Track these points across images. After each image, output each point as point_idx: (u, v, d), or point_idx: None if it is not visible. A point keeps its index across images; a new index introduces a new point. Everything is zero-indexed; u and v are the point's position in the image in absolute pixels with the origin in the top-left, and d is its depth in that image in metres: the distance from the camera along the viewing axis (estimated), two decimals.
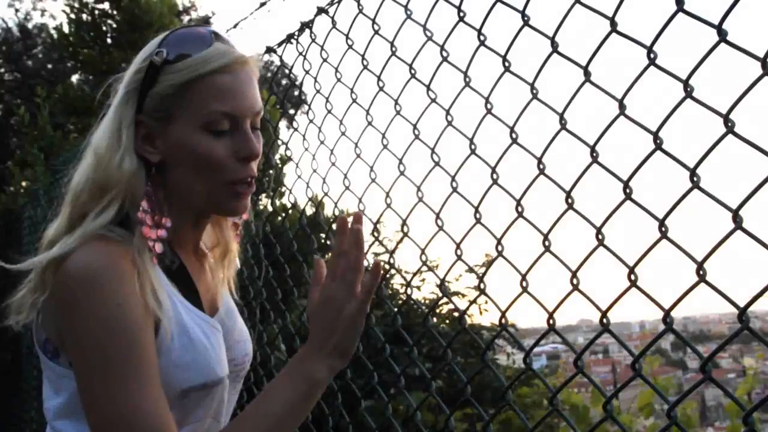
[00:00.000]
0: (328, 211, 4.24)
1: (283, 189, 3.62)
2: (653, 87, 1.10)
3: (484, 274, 1.47)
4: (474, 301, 2.35)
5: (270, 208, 3.05)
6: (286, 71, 2.20)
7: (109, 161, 1.02)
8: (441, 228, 1.50)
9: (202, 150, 1.02)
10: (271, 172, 3.23)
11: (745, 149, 0.93)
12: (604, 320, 1.14)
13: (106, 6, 8.16)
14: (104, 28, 8.21)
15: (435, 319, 5.51)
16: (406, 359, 1.55)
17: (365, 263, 1.05)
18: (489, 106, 1.38)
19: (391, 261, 1.68)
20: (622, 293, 1.10)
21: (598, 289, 1.19)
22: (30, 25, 14.52)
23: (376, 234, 1.76)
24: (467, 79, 1.43)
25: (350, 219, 1.05)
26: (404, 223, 1.62)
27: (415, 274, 1.86)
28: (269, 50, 2.21)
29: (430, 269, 1.58)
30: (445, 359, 1.53)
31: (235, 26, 2.56)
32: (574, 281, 1.18)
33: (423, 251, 1.56)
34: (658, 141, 1.05)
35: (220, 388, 1.07)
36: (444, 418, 1.44)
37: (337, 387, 1.84)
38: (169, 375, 0.97)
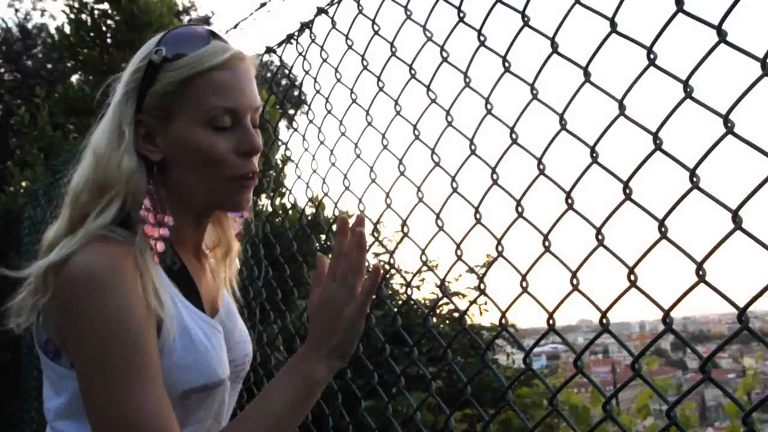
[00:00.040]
0: (328, 211, 4.24)
1: (284, 190, 3.62)
2: (653, 87, 1.10)
3: (484, 274, 1.47)
4: (474, 302, 2.35)
5: (269, 209, 3.05)
6: (286, 71, 2.20)
7: (109, 160, 1.02)
8: (441, 228, 1.50)
9: (204, 145, 1.02)
10: (271, 172, 3.23)
11: (744, 150, 0.93)
12: (604, 320, 1.15)
13: (105, 6, 8.16)
14: (104, 29, 8.20)
15: (435, 320, 5.52)
16: (407, 359, 1.55)
17: (366, 264, 1.05)
18: (489, 106, 1.38)
19: (391, 261, 1.68)
20: (622, 293, 1.10)
21: (598, 290, 1.19)
22: (30, 25, 14.53)
23: (376, 234, 1.76)
24: (467, 80, 1.43)
25: (351, 220, 1.06)
26: (404, 223, 1.62)
27: (415, 275, 1.86)
28: (269, 50, 2.21)
29: (430, 269, 1.58)
30: (445, 359, 1.53)
31: (235, 27, 2.56)
32: (574, 281, 1.18)
33: (423, 251, 1.56)
34: (657, 141, 1.06)
35: (221, 389, 1.07)
36: (444, 418, 1.44)
37: (337, 387, 1.84)
38: (170, 376, 0.97)
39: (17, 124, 10.48)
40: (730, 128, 0.95)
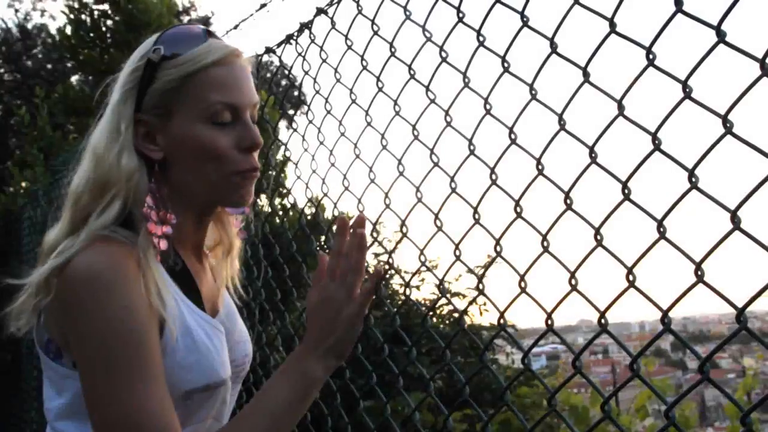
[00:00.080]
0: (328, 213, 4.23)
1: (284, 190, 3.62)
2: (652, 88, 1.10)
3: (483, 274, 1.47)
4: (473, 302, 2.34)
5: (269, 209, 3.05)
6: (286, 72, 2.20)
7: (109, 160, 1.02)
8: (440, 228, 1.49)
9: (206, 141, 1.03)
10: (271, 172, 3.23)
11: (743, 150, 0.93)
12: (603, 321, 1.15)
13: (105, 7, 8.16)
14: (104, 29, 8.20)
15: (435, 320, 5.52)
16: (406, 359, 1.55)
17: (365, 264, 1.05)
18: (488, 106, 1.38)
19: (390, 261, 1.68)
20: (620, 293, 1.10)
21: (597, 290, 1.19)
22: (29, 26, 14.52)
23: (375, 234, 1.76)
24: (466, 80, 1.43)
25: (352, 221, 1.06)
26: (403, 223, 1.62)
27: (413, 275, 1.86)
28: (268, 51, 2.21)
29: (429, 270, 1.58)
30: (444, 360, 1.53)
31: (235, 27, 2.56)
32: (573, 282, 1.18)
33: (422, 252, 1.56)
34: (656, 142, 1.05)
35: (222, 389, 1.07)
36: (444, 418, 1.44)
37: (336, 387, 1.84)
38: (172, 376, 0.97)
39: (17, 125, 10.49)
40: (729, 128, 0.95)
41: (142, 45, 1.08)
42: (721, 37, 0.96)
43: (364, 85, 1.77)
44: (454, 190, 1.46)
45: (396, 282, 5.40)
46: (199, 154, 1.03)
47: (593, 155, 1.16)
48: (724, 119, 0.95)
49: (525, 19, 1.28)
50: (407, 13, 1.59)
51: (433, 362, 4.70)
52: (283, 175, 2.66)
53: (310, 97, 2.06)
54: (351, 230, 1.09)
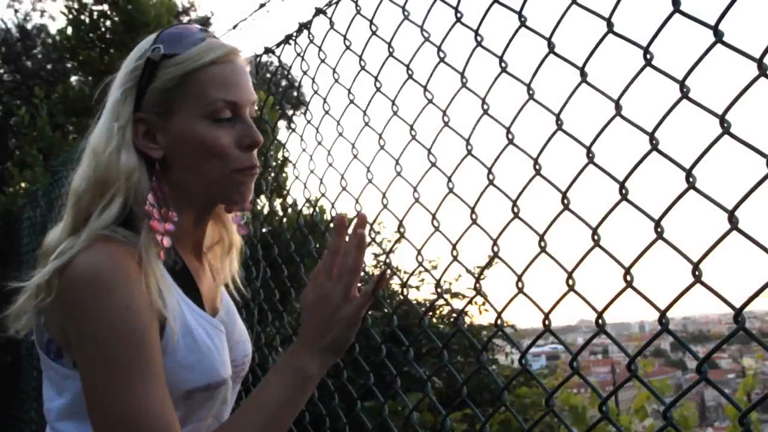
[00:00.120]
0: (327, 214, 4.22)
1: (283, 191, 3.61)
2: (649, 88, 1.10)
3: (480, 274, 1.47)
4: (471, 302, 2.35)
5: (267, 209, 3.05)
6: (285, 72, 2.20)
7: (109, 159, 1.02)
8: (437, 229, 1.49)
9: (206, 139, 1.03)
10: (270, 171, 3.23)
11: (741, 150, 0.93)
12: (600, 321, 1.14)
13: (105, 7, 8.15)
14: (103, 29, 8.20)
15: (435, 320, 5.51)
16: (405, 360, 1.55)
17: (363, 264, 1.05)
18: (485, 106, 1.38)
19: (388, 261, 1.68)
20: (618, 294, 1.10)
21: (595, 290, 1.19)
22: (29, 26, 14.52)
23: (372, 235, 1.76)
24: (464, 80, 1.43)
25: (353, 222, 1.06)
26: (401, 223, 1.62)
27: (411, 275, 1.86)
28: (267, 51, 2.21)
29: (426, 270, 1.58)
30: (442, 360, 1.53)
31: (234, 27, 2.56)
32: (570, 282, 1.18)
33: (419, 252, 1.56)
34: (654, 141, 1.05)
35: (223, 389, 1.07)
36: (443, 418, 1.44)
37: (334, 387, 1.84)
38: (173, 375, 0.97)
39: (17, 125, 10.49)
40: (726, 128, 0.95)
41: (140, 45, 1.09)
42: (718, 37, 0.96)
43: (363, 85, 1.77)
44: (451, 190, 1.46)
45: (395, 282, 5.40)
46: (200, 151, 1.04)
47: (590, 155, 1.16)
48: (722, 119, 0.95)
49: (523, 19, 1.28)
50: (405, 13, 1.59)
51: (435, 362, 4.69)
52: (283, 175, 2.65)
53: (308, 97, 2.06)
54: (350, 230, 1.09)
